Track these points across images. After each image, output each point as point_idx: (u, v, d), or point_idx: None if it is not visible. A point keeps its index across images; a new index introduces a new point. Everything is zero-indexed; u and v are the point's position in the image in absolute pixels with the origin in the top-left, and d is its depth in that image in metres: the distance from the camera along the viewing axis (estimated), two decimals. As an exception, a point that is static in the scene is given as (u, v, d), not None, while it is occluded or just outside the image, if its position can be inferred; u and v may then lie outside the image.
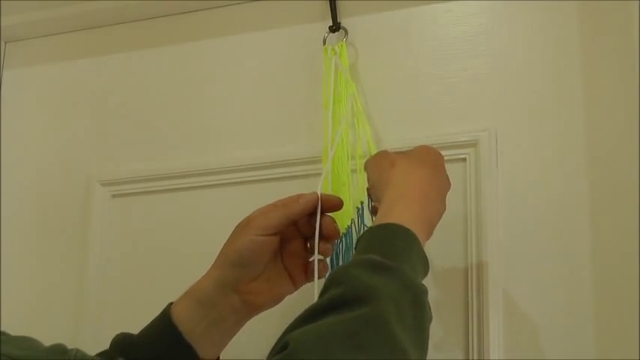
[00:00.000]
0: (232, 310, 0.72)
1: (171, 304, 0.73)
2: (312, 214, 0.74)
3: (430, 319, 0.60)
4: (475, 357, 0.80)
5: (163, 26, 1.06)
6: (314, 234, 0.73)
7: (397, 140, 0.89)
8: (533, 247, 0.82)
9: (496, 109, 0.88)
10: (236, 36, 1.02)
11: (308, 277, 0.75)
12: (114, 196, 1.02)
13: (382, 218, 0.65)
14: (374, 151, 0.83)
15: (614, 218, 0.81)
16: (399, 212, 0.65)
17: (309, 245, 0.76)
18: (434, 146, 0.76)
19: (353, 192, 0.86)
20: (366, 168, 0.76)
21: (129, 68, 1.07)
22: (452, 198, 0.85)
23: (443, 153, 0.86)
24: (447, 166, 0.86)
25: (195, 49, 1.04)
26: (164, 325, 0.71)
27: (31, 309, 1.03)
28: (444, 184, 0.73)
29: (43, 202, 1.07)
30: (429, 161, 0.73)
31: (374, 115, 0.92)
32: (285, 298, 0.76)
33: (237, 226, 0.73)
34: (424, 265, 0.64)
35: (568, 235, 0.82)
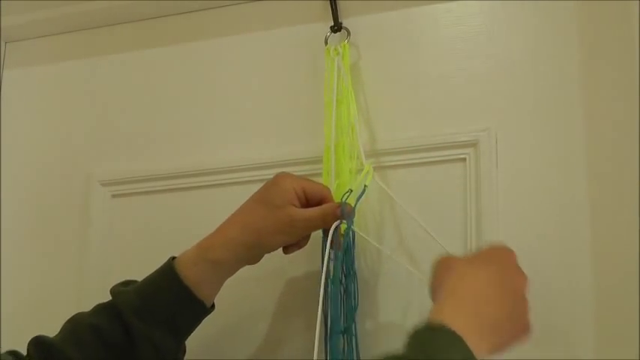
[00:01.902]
0: (238, 269, 0.80)
1: (173, 258, 0.79)
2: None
3: None
4: (475, 357, 0.80)
5: (163, 26, 1.06)
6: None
7: (397, 140, 0.90)
8: (533, 247, 0.82)
9: (496, 109, 0.88)
10: (237, 36, 1.02)
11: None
12: (114, 196, 1.02)
13: (431, 318, 0.62)
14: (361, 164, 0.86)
15: (614, 218, 0.80)
16: (447, 312, 0.62)
17: None
18: (504, 247, 0.72)
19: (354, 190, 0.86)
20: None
21: (129, 68, 1.07)
22: (452, 198, 0.86)
23: (443, 153, 0.88)
24: (447, 166, 0.87)
25: (196, 49, 1.04)
26: (177, 288, 0.77)
27: (31, 309, 1.03)
28: (514, 280, 0.68)
29: (43, 202, 1.07)
30: (493, 260, 0.69)
31: (374, 115, 0.92)
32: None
33: (278, 212, 0.77)
34: None
35: (568, 235, 0.82)
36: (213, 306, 0.80)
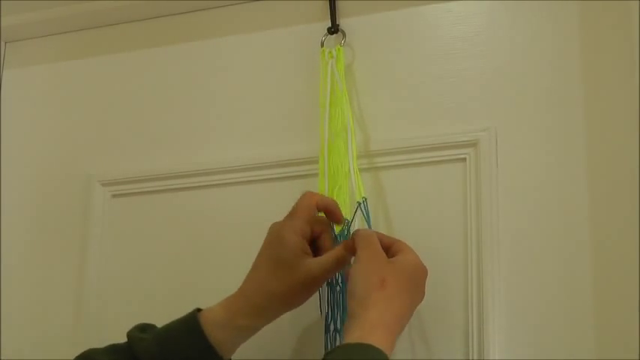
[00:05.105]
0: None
1: (198, 310, 0.78)
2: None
3: None
4: (475, 357, 0.80)
5: (163, 26, 1.06)
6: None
7: (397, 140, 0.89)
8: (533, 247, 0.82)
9: (496, 109, 0.88)
10: (236, 36, 1.02)
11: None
12: (114, 196, 1.02)
13: (361, 337, 0.68)
14: (355, 171, 0.85)
15: (614, 218, 0.80)
16: (378, 338, 0.68)
17: None
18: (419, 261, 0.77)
19: (350, 193, 0.86)
20: (353, 267, 0.75)
21: (129, 68, 1.07)
22: (452, 198, 0.86)
23: (443, 153, 0.88)
24: (447, 166, 0.87)
25: (195, 49, 1.04)
26: (202, 346, 0.76)
27: (31, 309, 1.02)
28: (419, 297, 0.76)
29: (43, 202, 1.07)
30: (414, 284, 0.75)
31: (374, 115, 0.92)
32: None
33: (296, 272, 0.76)
34: None
35: (568, 235, 0.82)
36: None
